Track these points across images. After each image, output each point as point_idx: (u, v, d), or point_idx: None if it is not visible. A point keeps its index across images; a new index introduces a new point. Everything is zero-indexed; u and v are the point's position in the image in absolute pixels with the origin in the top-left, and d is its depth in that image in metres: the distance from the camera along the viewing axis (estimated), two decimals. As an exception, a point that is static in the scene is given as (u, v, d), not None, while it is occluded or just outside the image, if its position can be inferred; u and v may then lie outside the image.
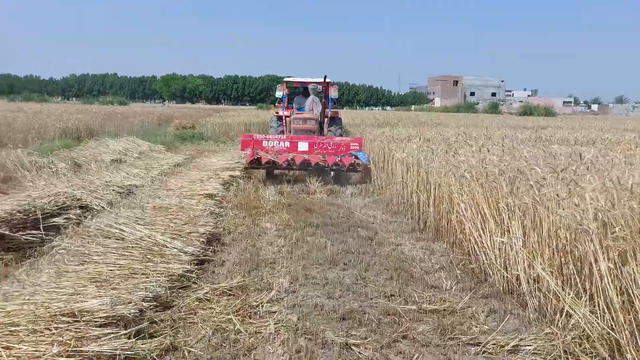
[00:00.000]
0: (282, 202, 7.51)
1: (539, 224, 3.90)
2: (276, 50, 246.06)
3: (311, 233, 5.88)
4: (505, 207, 4.31)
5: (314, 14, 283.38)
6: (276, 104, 12.59)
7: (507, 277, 4.21)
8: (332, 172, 9.14)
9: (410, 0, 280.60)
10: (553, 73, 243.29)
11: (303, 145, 9.15)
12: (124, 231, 4.54)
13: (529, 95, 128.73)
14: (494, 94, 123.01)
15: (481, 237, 4.58)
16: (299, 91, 11.97)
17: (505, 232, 4.28)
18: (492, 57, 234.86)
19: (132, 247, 4.31)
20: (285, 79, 11.68)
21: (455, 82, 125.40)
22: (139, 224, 4.86)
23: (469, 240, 4.82)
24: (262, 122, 20.68)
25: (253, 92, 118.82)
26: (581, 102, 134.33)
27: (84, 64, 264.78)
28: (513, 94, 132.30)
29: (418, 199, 6.14)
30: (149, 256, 4.14)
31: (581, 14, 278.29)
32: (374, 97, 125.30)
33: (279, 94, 11.48)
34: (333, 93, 11.23)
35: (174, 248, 4.44)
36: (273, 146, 9.20)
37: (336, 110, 11.57)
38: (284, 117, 11.19)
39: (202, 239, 4.91)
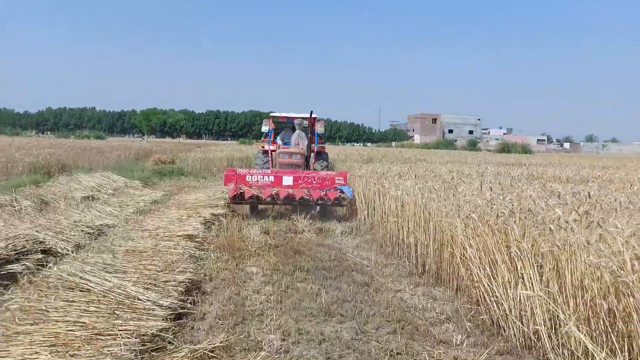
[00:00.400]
0: (268, 243, 6.99)
1: (561, 271, 3.50)
2: (258, 86, 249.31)
3: (302, 278, 5.36)
4: (519, 252, 3.91)
5: (296, 50, 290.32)
6: (262, 139, 12.57)
7: (525, 331, 3.77)
8: (317, 207, 9.05)
9: (391, 40, 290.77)
10: (526, 112, 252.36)
11: (287, 180, 9.01)
12: (90, 281, 3.96)
13: (504, 133, 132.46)
14: (471, 132, 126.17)
15: (492, 285, 4.15)
16: (284, 126, 11.97)
17: (520, 280, 3.87)
18: (469, 96, 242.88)
19: (99, 300, 3.73)
20: (272, 114, 11.68)
21: (434, 120, 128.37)
22: (108, 271, 4.28)
23: (478, 287, 4.39)
24: (244, 157, 20.26)
25: (235, 127, 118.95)
26: (554, 140, 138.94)
27: (61, 97, 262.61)
28: (489, 131, 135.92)
29: (416, 241, 5.71)
30: (118, 312, 3.56)
31: (554, 56, 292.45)
32: (355, 134, 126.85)
33: (265, 128, 11.51)
34: (319, 128, 11.19)
35: (148, 300, 3.86)
36: (257, 180, 9.04)
37: (322, 145, 11.58)
38: (269, 152, 11.13)
39: (180, 289, 4.34)
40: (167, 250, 5.48)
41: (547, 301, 3.40)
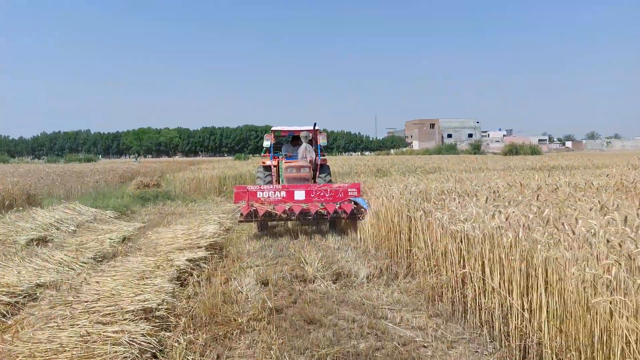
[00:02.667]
0: (266, 305, 4.81)
1: None
2: (252, 100, 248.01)
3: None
4: None
5: (288, 60, 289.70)
6: (262, 154, 12.05)
7: None
8: (328, 222, 8.94)
9: (383, 47, 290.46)
10: (524, 112, 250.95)
11: (299, 194, 8.78)
12: None
13: (504, 135, 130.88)
14: (470, 135, 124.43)
15: None
16: (285, 140, 11.65)
17: None
18: (465, 98, 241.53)
19: None
20: (273, 128, 11.20)
21: (432, 125, 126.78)
22: None
23: None
24: (238, 175, 18.12)
25: (231, 142, 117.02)
26: (555, 140, 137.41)
27: (56, 121, 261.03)
28: (489, 134, 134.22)
29: (508, 308, 3.55)
30: None
31: (551, 52, 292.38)
32: (352, 143, 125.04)
33: (267, 143, 10.96)
34: (322, 140, 10.78)
35: None
36: (268, 197, 8.76)
37: (324, 157, 11.09)
38: (272, 167, 10.73)
39: None
40: (101, 346, 3.30)
41: None
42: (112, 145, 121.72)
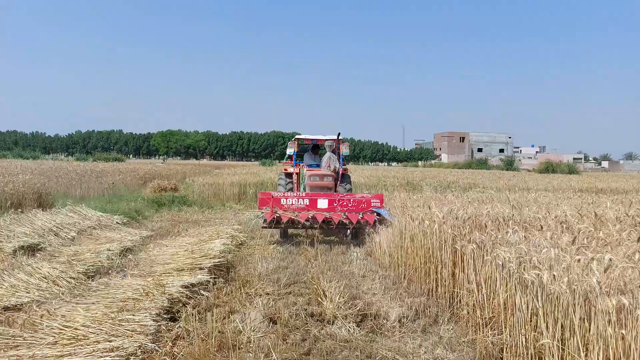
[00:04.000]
0: (270, 358, 3.77)
1: None
2: (280, 106, 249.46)
3: None
4: None
5: (318, 69, 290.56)
6: (284, 161, 12.36)
7: None
8: (349, 232, 8.98)
9: (414, 54, 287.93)
10: (559, 129, 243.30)
11: (322, 203, 8.81)
12: None
13: (537, 152, 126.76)
14: (501, 150, 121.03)
15: None
16: (307, 148, 11.76)
17: None
18: (497, 113, 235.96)
19: None
20: (297, 137, 11.40)
21: (462, 139, 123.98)
22: None
23: None
24: (259, 182, 17.22)
25: (258, 148, 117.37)
26: (590, 159, 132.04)
27: (90, 121, 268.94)
28: (521, 150, 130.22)
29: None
30: None
31: (588, 69, 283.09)
32: (379, 153, 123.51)
33: (290, 151, 11.08)
34: (344, 150, 10.78)
35: None
36: (292, 204, 8.83)
37: (345, 167, 11.15)
38: (294, 174, 10.83)
39: None
40: None
41: None
42: (143, 146, 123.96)
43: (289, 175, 10.91)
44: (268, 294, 5.66)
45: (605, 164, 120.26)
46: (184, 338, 4.04)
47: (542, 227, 4.53)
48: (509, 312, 3.38)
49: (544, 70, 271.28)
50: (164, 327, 4.07)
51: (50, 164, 26.22)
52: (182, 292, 4.77)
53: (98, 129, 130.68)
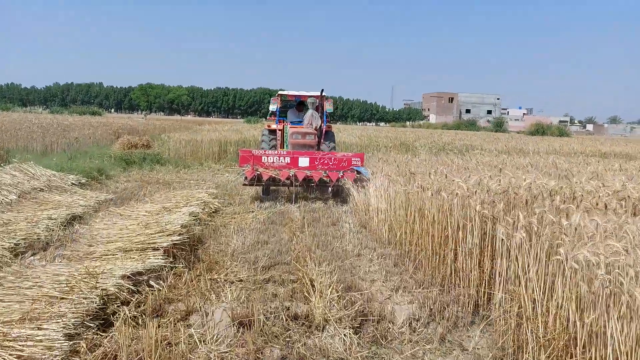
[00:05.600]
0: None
1: None
2: (267, 62, 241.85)
3: None
4: None
5: (307, 26, 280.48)
6: (267, 117, 12.01)
7: None
8: (330, 189, 8.93)
9: (404, 14, 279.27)
10: (546, 91, 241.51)
11: (304, 161, 8.81)
12: None
13: (524, 114, 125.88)
14: (489, 112, 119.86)
15: None
16: (291, 105, 11.33)
17: None
18: (485, 74, 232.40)
19: None
20: (280, 92, 11.08)
21: (451, 99, 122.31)
22: None
23: None
24: (241, 140, 15.83)
25: (244, 105, 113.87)
26: (576, 122, 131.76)
27: (70, 73, 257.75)
28: (508, 112, 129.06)
29: None
30: None
31: (576, 33, 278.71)
32: (367, 113, 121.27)
33: (273, 107, 10.74)
34: (328, 107, 10.41)
35: None
36: (273, 162, 8.78)
37: (329, 124, 10.85)
38: (277, 131, 10.57)
39: None
40: None
41: None
42: (124, 100, 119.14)
43: (272, 132, 10.68)
44: (241, 280, 4.50)
45: (590, 127, 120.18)
46: (111, 355, 2.86)
47: (606, 207, 3.38)
48: (599, 341, 2.24)
49: (533, 31, 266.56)
50: (85, 345, 2.86)
51: (15, 116, 24.22)
52: (122, 286, 3.55)
53: (77, 82, 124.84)
